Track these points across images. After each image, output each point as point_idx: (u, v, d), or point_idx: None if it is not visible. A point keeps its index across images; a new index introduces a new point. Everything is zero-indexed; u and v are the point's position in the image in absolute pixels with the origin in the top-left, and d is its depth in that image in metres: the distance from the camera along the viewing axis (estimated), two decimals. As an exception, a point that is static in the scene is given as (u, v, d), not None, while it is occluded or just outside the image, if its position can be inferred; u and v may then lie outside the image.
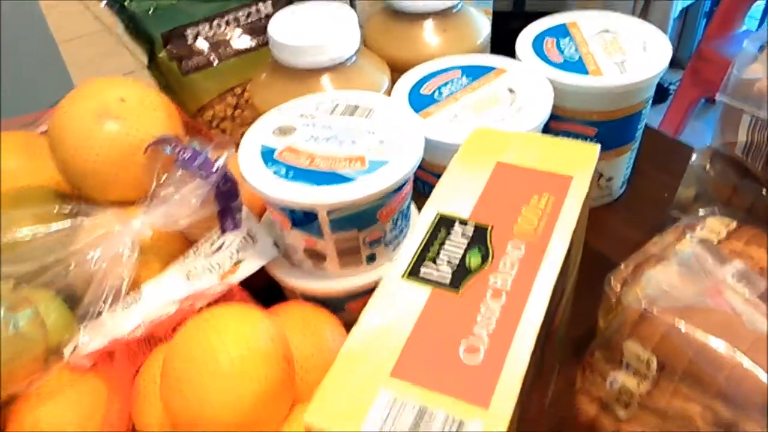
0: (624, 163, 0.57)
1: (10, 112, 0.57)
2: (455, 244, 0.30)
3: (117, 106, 0.46)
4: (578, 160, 0.34)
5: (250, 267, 0.44)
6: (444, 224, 0.31)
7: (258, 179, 0.40)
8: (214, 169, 0.44)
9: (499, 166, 0.34)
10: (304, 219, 0.41)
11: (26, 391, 0.39)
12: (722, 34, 1.58)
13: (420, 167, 0.44)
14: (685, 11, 1.94)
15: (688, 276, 0.32)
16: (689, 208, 0.45)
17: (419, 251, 0.30)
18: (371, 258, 0.43)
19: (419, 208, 0.50)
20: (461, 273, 0.29)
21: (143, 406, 0.39)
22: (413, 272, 0.29)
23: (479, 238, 0.30)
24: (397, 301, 0.28)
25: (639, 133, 0.56)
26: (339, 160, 0.40)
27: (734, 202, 0.44)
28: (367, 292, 0.44)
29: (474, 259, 0.29)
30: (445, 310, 0.27)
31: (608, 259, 0.42)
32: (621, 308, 0.30)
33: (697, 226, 0.38)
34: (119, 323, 0.42)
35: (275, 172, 0.40)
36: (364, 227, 0.41)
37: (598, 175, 0.57)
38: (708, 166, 0.46)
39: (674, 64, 0.54)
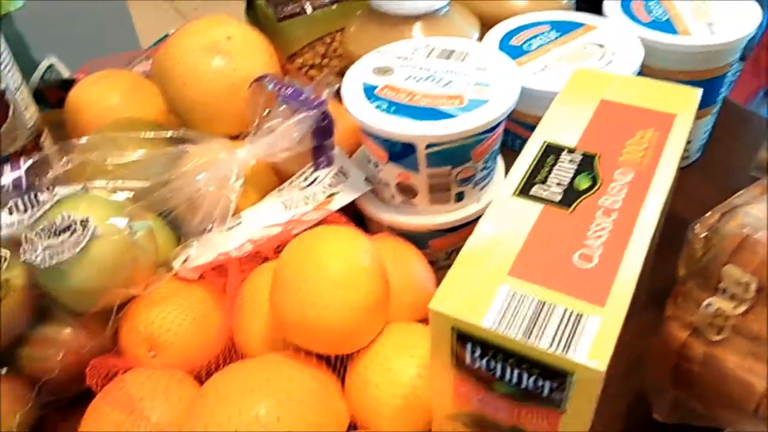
0: (703, 126, 0.58)
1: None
2: (564, 169, 0.32)
3: (224, 43, 0.49)
4: (680, 101, 0.35)
5: (343, 199, 0.47)
6: (551, 152, 0.33)
7: (361, 112, 0.42)
8: (316, 104, 0.46)
9: (602, 104, 0.35)
10: (401, 152, 0.43)
11: (141, 295, 0.42)
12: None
13: (510, 118, 0.46)
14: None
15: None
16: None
17: (528, 173, 0.32)
18: (460, 196, 0.46)
19: (507, 165, 0.52)
20: (571, 194, 0.30)
21: (246, 316, 0.42)
22: (523, 191, 0.31)
23: (587, 165, 0.32)
24: (509, 215, 0.30)
25: (720, 97, 0.57)
26: (438, 97, 0.42)
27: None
28: (451, 230, 0.47)
29: (583, 183, 0.31)
30: (557, 223, 0.29)
31: (684, 219, 0.44)
32: (718, 238, 0.32)
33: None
34: (226, 241, 0.45)
35: (377, 107, 0.42)
36: (457, 164, 0.43)
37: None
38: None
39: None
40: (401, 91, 0.43)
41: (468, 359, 0.27)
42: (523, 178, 0.32)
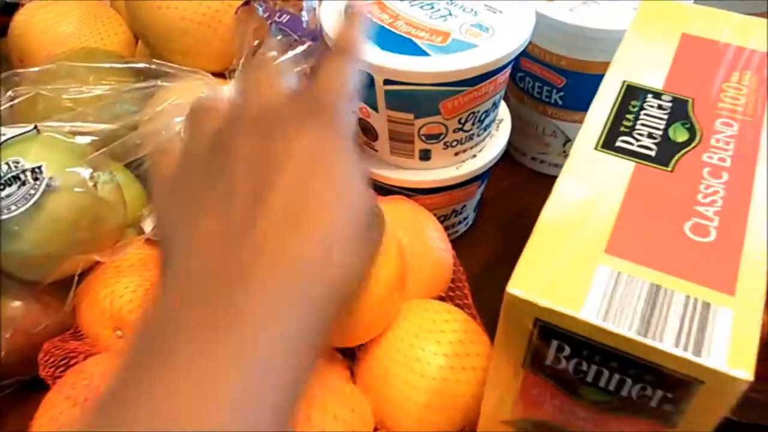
0: None
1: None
2: (653, 117, 0.25)
3: (207, -42, 0.41)
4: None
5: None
6: (634, 95, 0.26)
7: (330, 23, 0.36)
8: (316, 34, 0.39)
9: (684, 38, 0.29)
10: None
11: (106, 263, 0.35)
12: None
13: (539, 62, 0.39)
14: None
15: None
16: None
17: (611, 121, 0.25)
18: (425, 154, 0.39)
19: (537, 118, 0.45)
20: (667, 147, 0.24)
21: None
22: (608, 143, 0.25)
23: (680, 112, 0.26)
24: (596, 173, 0.24)
25: None
26: (421, 28, 0.35)
27: None
28: (420, 192, 0.40)
29: (680, 134, 0.25)
30: (657, 185, 0.23)
31: None
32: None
33: None
34: (207, 198, 0.37)
35: None
36: (421, 114, 0.36)
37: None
38: None
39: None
40: (387, 10, 0.37)
41: (551, 358, 0.21)
42: (605, 127, 0.25)
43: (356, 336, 0.31)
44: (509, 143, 0.42)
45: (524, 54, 0.40)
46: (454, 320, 0.33)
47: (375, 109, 0.36)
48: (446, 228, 0.40)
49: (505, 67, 0.35)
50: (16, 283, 0.34)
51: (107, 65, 0.40)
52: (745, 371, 0.18)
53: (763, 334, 0.19)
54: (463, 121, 0.37)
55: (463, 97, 0.35)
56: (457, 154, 0.39)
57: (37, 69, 0.39)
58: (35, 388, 0.33)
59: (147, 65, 0.39)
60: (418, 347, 0.32)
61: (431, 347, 0.32)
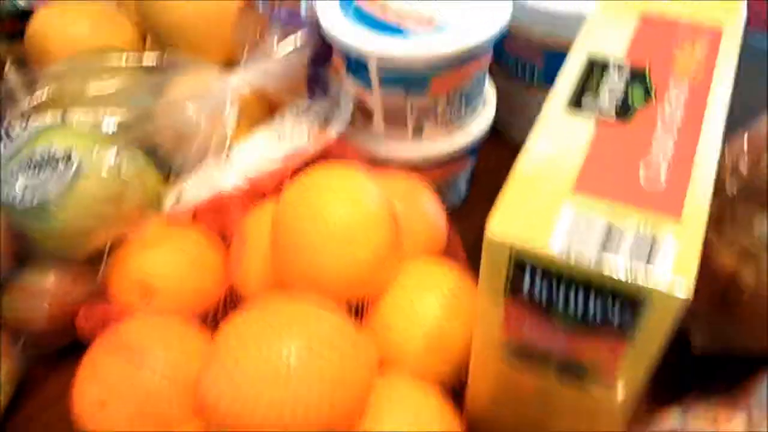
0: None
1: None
2: (614, 83, 0.29)
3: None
4: (724, 14, 0.33)
5: (337, 129, 0.43)
6: (598, 65, 0.30)
7: (326, 16, 0.39)
8: (312, 28, 0.42)
9: (644, 18, 0.33)
10: (355, 66, 0.40)
11: (131, 239, 0.38)
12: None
13: (521, 42, 0.42)
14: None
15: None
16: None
17: (577, 87, 0.29)
18: (418, 130, 0.42)
19: (522, 96, 0.48)
20: (627, 107, 0.28)
21: (247, 257, 0.38)
22: (574, 104, 0.28)
23: (638, 77, 0.29)
24: (563, 131, 0.27)
25: None
26: (408, 14, 0.39)
27: None
28: (413, 167, 0.43)
29: (637, 96, 0.28)
30: (617, 138, 0.26)
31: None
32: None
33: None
34: (219, 177, 0.41)
35: (344, 13, 0.39)
36: (412, 92, 0.40)
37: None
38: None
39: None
40: (376, 1, 0.40)
41: (526, 288, 0.24)
42: (572, 92, 0.29)
43: (352, 298, 0.35)
44: (497, 121, 0.45)
45: (506, 35, 0.44)
46: (449, 276, 0.36)
47: (370, 89, 0.40)
48: (441, 200, 0.44)
49: (487, 48, 0.39)
50: (52, 258, 0.37)
51: (122, 62, 0.43)
52: (682, 286, 0.22)
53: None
54: (451, 98, 0.40)
55: (450, 77, 0.39)
56: (447, 129, 0.42)
57: (58, 67, 0.42)
58: (71, 354, 0.36)
59: (158, 60, 0.42)
60: (416, 300, 0.35)
61: (428, 300, 0.35)
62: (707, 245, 0.32)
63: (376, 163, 0.43)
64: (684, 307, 0.22)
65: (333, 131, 0.42)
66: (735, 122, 0.33)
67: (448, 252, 0.41)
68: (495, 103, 0.45)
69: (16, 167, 0.34)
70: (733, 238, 0.31)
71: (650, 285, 0.22)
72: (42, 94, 0.39)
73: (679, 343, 0.36)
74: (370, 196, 0.35)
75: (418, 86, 0.39)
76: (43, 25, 0.50)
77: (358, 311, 0.36)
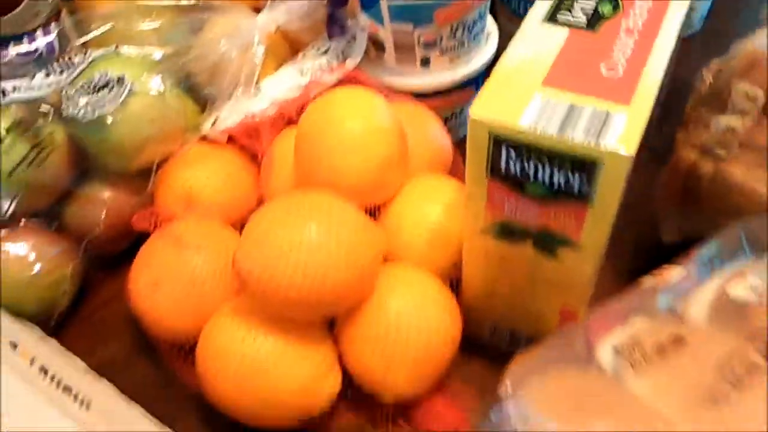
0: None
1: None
2: (586, 1, 0.33)
3: None
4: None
5: (353, 61, 0.48)
6: (573, -15, 0.34)
7: None
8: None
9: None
10: (369, 3, 0.45)
11: (175, 157, 0.44)
12: None
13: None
14: None
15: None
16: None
17: (554, 4, 0.33)
18: (425, 61, 0.47)
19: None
20: (596, 18, 0.32)
21: (274, 174, 0.44)
22: (551, 18, 0.33)
23: (608, -6, 0.34)
24: (539, 38, 0.32)
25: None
26: None
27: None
28: (421, 95, 0.48)
29: (606, 8, 0.33)
30: (584, 43, 0.31)
31: (687, 85, 0.45)
32: (730, 62, 0.34)
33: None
34: (250, 104, 0.46)
35: None
36: (419, 23, 0.44)
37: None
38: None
39: None
40: None
41: (503, 164, 0.29)
42: (549, 8, 0.33)
43: (364, 201, 0.40)
44: (499, 55, 0.50)
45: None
46: (450, 186, 0.42)
47: (381, 23, 0.45)
48: (448, 130, 0.49)
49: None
50: (108, 171, 0.44)
51: (165, 3, 0.49)
52: (626, 149, 0.26)
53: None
54: (454, 29, 0.45)
55: (452, 8, 0.44)
56: (452, 60, 0.47)
57: (107, 9, 0.48)
58: (124, 260, 0.42)
59: (197, 1, 0.48)
60: (422, 205, 0.40)
61: (431, 205, 0.40)
62: (676, 144, 0.37)
63: (388, 92, 0.48)
64: (629, 166, 0.27)
65: (350, 63, 0.48)
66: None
67: (452, 173, 0.46)
68: (497, 39, 0.50)
69: (78, 88, 0.40)
70: (696, 136, 0.35)
71: (601, 149, 0.27)
72: (96, 30, 0.45)
73: (651, 240, 0.41)
74: (381, 112, 0.40)
75: (424, 18, 0.44)
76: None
77: (370, 214, 0.41)
